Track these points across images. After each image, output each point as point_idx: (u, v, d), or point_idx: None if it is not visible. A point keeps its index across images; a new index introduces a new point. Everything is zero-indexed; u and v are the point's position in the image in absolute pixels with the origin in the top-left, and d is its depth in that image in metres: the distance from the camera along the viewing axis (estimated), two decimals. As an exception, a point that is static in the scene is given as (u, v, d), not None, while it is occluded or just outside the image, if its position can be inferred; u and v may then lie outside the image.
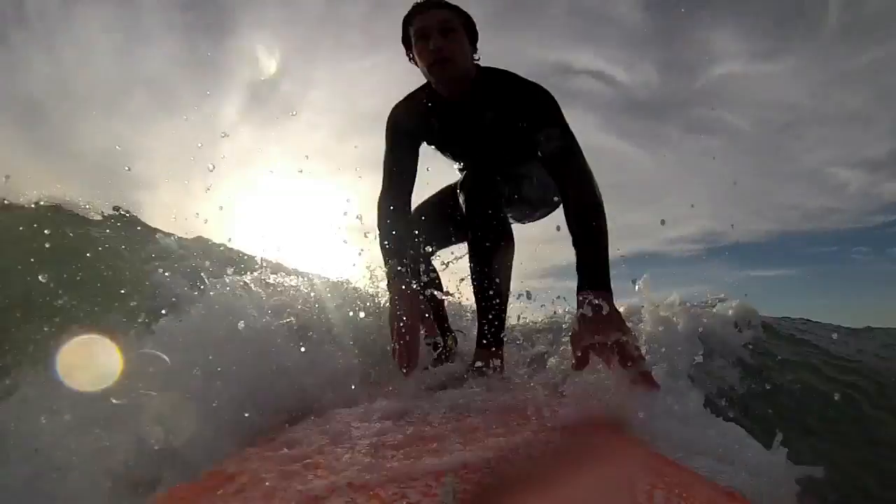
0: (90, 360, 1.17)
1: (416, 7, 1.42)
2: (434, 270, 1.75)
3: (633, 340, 1.03)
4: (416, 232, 1.51)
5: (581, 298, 1.08)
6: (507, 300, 1.48)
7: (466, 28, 1.44)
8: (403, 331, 1.24)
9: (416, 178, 1.55)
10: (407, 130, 1.53)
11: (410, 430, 0.83)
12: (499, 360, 1.42)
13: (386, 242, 1.40)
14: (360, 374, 1.25)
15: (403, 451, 0.70)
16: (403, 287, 1.30)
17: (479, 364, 1.37)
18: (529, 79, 1.43)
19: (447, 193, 1.72)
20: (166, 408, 0.93)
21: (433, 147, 1.63)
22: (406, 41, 1.47)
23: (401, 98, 1.57)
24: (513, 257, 1.49)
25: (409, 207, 1.52)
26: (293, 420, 1.02)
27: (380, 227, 1.43)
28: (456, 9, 1.44)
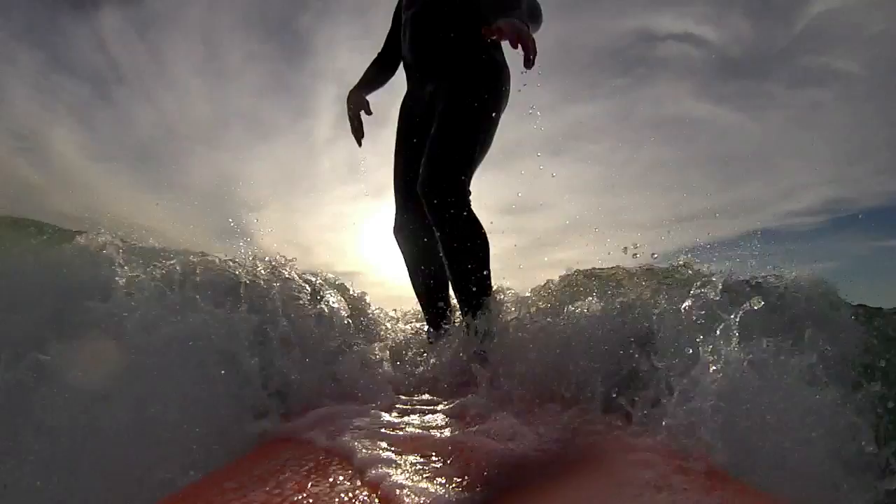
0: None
1: None
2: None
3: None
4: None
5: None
6: (489, 294, 1.45)
7: None
8: (350, 115, 1.74)
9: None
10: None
11: (411, 430, 0.84)
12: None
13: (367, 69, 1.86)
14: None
15: (407, 452, 0.71)
16: (354, 89, 1.77)
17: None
18: None
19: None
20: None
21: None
22: None
23: None
24: (487, 251, 1.46)
25: (392, 54, 1.83)
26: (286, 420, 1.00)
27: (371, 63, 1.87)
28: None
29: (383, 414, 0.95)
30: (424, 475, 0.59)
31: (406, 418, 0.92)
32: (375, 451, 0.71)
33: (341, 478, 0.60)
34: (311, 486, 0.57)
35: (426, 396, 1.21)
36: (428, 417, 0.94)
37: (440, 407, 1.02)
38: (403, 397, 1.17)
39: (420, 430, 0.84)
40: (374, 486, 0.56)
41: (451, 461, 0.64)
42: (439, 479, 0.58)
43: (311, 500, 0.53)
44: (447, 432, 0.81)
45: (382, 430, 0.83)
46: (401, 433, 0.81)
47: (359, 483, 0.58)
